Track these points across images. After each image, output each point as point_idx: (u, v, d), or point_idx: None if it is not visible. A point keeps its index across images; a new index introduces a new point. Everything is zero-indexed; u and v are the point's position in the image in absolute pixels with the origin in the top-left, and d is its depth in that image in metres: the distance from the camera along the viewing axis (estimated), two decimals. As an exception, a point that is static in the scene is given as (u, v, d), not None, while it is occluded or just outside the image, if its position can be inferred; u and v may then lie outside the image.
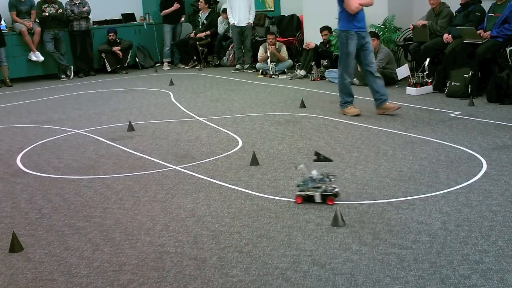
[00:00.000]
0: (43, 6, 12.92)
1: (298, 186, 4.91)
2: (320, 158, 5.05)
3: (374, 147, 6.37)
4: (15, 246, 4.18)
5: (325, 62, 11.27)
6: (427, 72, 9.31)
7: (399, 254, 3.82)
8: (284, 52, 12.25)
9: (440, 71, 9.31)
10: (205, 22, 14.16)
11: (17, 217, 4.89)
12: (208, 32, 14.01)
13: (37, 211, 4.99)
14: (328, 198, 4.76)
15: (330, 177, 4.85)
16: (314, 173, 4.86)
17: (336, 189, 4.82)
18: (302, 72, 11.49)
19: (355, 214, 4.52)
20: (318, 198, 4.77)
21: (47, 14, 12.87)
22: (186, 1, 14.56)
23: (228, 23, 13.41)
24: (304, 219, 4.48)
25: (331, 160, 5.29)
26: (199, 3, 14.20)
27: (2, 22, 12.67)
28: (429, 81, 9.32)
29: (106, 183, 5.64)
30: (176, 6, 13.95)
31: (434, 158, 5.87)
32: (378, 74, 7.97)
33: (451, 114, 7.71)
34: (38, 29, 12.87)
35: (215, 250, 4.03)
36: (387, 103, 7.90)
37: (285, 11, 13.59)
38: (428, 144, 6.37)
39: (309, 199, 4.81)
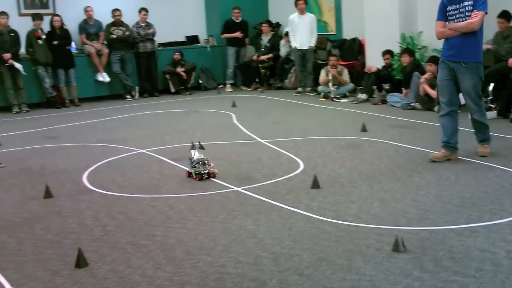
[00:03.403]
0: (111, 29, 13.33)
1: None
2: (200, 146, 6.58)
3: (435, 173, 6.29)
4: (81, 262, 4.30)
5: (386, 86, 11.18)
6: (491, 97, 9.14)
7: (461, 282, 3.75)
8: (345, 76, 12.23)
9: (505, 96, 9.13)
10: (267, 45, 14.29)
11: (83, 233, 5.03)
12: (270, 55, 14.12)
13: (101, 228, 5.12)
14: (196, 175, 6.34)
15: (206, 161, 6.37)
16: (196, 156, 6.38)
17: (206, 171, 6.35)
18: (364, 96, 11.45)
19: (416, 240, 4.48)
20: (194, 175, 6.36)
21: (115, 36, 13.27)
22: (250, 24, 14.74)
23: (290, 46, 13.51)
24: (365, 244, 4.46)
25: (203, 149, 6.59)
26: (263, 26, 14.38)
27: (73, 44, 13.10)
28: (493, 106, 9.14)
29: (169, 203, 5.74)
30: (237, 34, 14.18)
31: (498, 185, 5.76)
32: (471, 116, 6.92)
33: (516, 141, 7.56)
34: (106, 50, 13.28)
35: (275, 272, 4.05)
36: (480, 147, 6.95)
37: (347, 34, 13.58)
38: (491, 171, 6.26)
39: (190, 175, 6.43)
